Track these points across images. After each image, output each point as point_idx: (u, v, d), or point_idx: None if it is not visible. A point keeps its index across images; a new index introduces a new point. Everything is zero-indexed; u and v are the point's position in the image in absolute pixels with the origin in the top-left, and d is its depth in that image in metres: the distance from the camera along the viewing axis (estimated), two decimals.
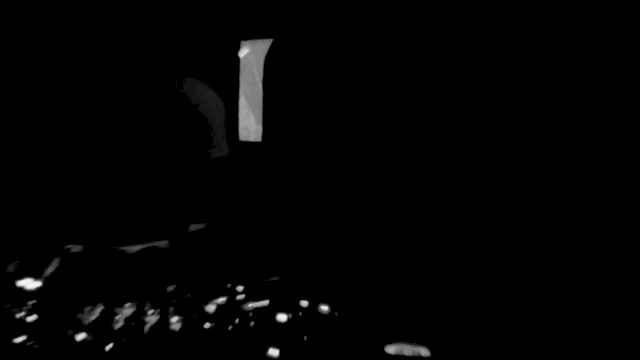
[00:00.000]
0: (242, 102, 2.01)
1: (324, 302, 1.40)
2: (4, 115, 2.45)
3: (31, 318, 1.31)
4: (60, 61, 2.56)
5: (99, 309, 1.33)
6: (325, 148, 1.60)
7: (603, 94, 1.45)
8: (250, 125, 1.96)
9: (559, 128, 1.49)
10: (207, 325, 1.30)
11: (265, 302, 1.44)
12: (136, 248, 1.52)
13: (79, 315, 1.30)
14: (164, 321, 1.30)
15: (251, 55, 1.99)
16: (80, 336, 1.23)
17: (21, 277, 1.48)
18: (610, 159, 1.45)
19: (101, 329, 1.24)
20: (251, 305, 1.42)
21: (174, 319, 1.31)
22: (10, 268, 1.53)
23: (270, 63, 1.80)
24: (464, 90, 1.52)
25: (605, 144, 1.46)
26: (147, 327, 1.26)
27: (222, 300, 1.44)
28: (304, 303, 1.43)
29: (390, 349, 1.23)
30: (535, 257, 1.52)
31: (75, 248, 1.48)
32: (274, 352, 1.22)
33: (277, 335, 1.27)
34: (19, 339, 1.23)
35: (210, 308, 1.39)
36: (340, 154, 1.59)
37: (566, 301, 1.46)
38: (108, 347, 1.21)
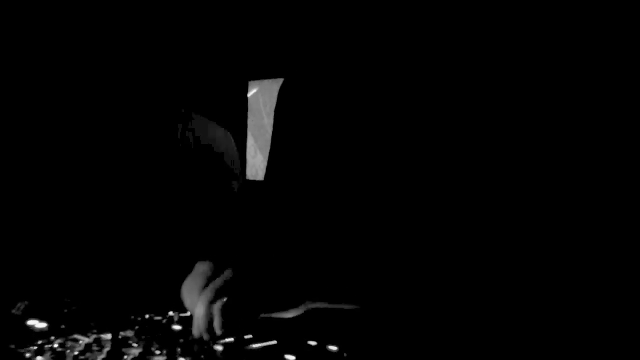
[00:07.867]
0: (250, 141, 2.02)
1: (333, 342, 1.39)
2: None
3: (40, 359, 1.31)
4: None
5: (106, 350, 1.33)
6: (338, 194, 1.57)
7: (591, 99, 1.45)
8: (257, 164, 1.97)
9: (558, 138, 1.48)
10: None
11: (273, 342, 1.43)
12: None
13: (87, 355, 1.30)
14: None
15: (259, 94, 2.01)
16: None
17: (28, 318, 1.48)
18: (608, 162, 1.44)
19: None
20: (259, 345, 1.41)
21: (182, 359, 1.31)
22: (18, 309, 1.53)
23: (284, 100, 1.75)
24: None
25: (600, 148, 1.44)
26: None
27: (229, 340, 1.43)
28: (312, 342, 1.42)
29: None
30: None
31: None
32: None
33: None
34: None
35: (218, 348, 1.39)
36: (354, 200, 1.55)
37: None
38: None
